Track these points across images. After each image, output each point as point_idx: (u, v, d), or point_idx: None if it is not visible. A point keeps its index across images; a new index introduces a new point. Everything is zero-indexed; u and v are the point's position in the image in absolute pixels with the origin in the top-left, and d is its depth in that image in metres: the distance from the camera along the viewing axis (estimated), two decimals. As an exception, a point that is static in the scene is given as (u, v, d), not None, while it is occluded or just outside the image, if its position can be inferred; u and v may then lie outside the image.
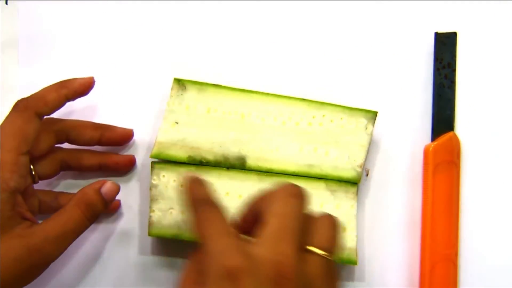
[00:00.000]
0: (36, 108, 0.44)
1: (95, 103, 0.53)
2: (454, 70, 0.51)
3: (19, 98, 0.45)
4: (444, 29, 0.51)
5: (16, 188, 0.41)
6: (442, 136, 0.50)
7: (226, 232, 0.35)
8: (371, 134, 0.48)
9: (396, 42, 0.52)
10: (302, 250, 0.35)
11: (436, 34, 0.51)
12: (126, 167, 0.51)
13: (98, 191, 0.45)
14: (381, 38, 0.53)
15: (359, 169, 0.48)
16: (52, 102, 0.45)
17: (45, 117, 0.46)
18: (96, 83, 0.52)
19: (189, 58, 0.53)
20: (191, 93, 0.48)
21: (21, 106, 0.44)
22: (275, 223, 0.35)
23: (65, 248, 0.43)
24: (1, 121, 0.52)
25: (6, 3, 0.54)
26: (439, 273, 0.47)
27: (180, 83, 0.48)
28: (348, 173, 0.48)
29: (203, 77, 0.49)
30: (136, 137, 0.51)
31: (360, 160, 0.48)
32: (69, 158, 0.49)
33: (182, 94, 0.48)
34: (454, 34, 0.51)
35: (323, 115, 0.48)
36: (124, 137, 0.50)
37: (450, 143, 0.50)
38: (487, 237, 0.51)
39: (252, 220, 0.38)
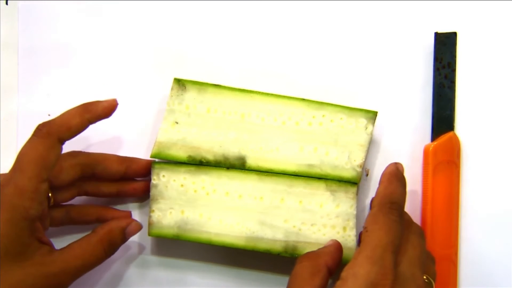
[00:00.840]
0: (59, 134, 0.43)
1: (95, 103, 0.53)
2: (454, 70, 0.51)
3: (41, 122, 0.44)
4: (444, 29, 0.51)
5: (36, 216, 0.41)
6: (442, 136, 0.50)
7: (393, 248, 0.39)
8: (371, 134, 0.48)
9: (396, 42, 0.52)
10: None
11: (436, 34, 0.51)
12: (143, 193, 0.50)
13: (124, 230, 0.46)
14: (381, 38, 0.53)
15: (359, 169, 0.48)
16: (76, 128, 0.44)
17: (72, 150, 0.47)
18: (96, 83, 0.52)
19: (189, 58, 0.53)
20: (191, 93, 0.48)
21: (43, 131, 0.42)
22: (412, 251, 0.42)
23: (79, 277, 0.44)
24: (1, 123, 0.53)
25: (6, 3, 0.54)
26: (439, 273, 0.47)
27: (180, 83, 0.49)
28: (348, 173, 0.48)
29: (203, 77, 0.49)
30: (136, 137, 0.51)
31: (360, 160, 0.48)
32: (88, 186, 0.49)
33: (182, 94, 0.48)
34: (454, 34, 0.51)
35: (323, 115, 0.48)
36: (148, 169, 0.49)
37: (450, 143, 0.50)
38: (487, 237, 0.51)
39: None
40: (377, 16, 0.53)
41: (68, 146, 0.45)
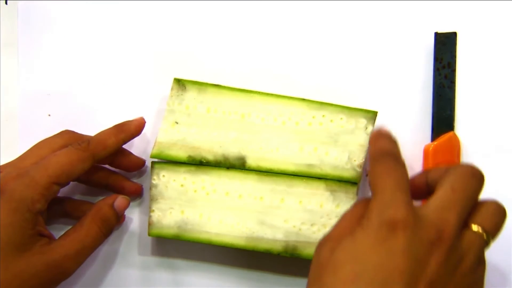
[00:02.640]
0: (95, 151, 0.45)
1: (95, 103, 0.53)
2: (454, 70, 0.51)
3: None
4: (444, 29, 0.51)
5: (40, 210, 0.42)
6: (442, 136, 0.50)
7: (401, 187, 0.37)
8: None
9: (396, 42, 0.52)
10: (465, 226, 0.37)
11: (436, 34, 0.51)
12: (132, 194, 0.51)
13: (112, 206, 0.47)
14: (381, 38, 0.53)
15: (359, 169, 0.48)
16: (111, 147, 0.46)
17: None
18: (96, 83, 0.52)
19: (189, 58, 0.53)
20: (191, 93, 0.48)
21: (83, 146, 0.45)
22: (448, 193, 0.37)
23: (82, 262, 0.44)
24: (1, 123, 0.53)
25: (6, 3, 0.54)
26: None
27: (180, 83, 0.48)
28: (348, 173, 0.48)
29: (203, 77, 0.49)
30: (136, 137, 0.50)
31: (360, 160, 0.48)
32: None
33: (182, 94, 0.48)
34: (454, 34, 0.51)
35: (323, 115, 0.48)
36: (136, 166, 0.51)
37: (450, 143, 0.50)
38: None
39: (424, 188, 0.40)
40: (377, 16, 0.53)
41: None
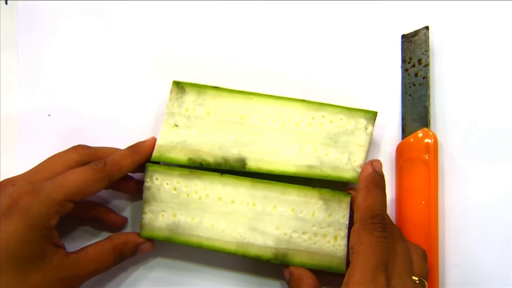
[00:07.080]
0: (111, 173, 0.45)
1: (95, 105, 0.53)
2: (427, 65, 0.50)
3: (97, 161, 0.46)
4: (441, 27, 0.51)
5: (54, 225, 0.43)
6: (414, 134, 0.49)
7: (381, 267, 0.40)
8: (371, 134, 0.48)
9: (396, 43, 0.52)
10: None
11: (403, 36, 0.51)
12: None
13: (138, 246, 0.48)
14: (381, 39, 0.52)
15: (359, 170, 0.47)
16: (126, 168, 0.47)
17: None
18: (96, 84, 0.52)
19: (188, 61, 0.53)
20: (190, 95, 0.48)
21: (100, 166, 0.45)
22: (399, 261, 0.42)
23: (86, 281, 0.45)
24: (1, 123, 0.53)
25: (6, 3, 0.54)
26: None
27: (179, 86, 0.48)
28: (348, 174, 0.48)
29: (202, 80, 0.49)
30: (136, 140, 0.50)
31: (360, 160, 0.48)
32: None
33: (181, 97, 0.48)
34: (425, 28, 0.51)
35: (323, 116, 0.48)
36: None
37: (416, 140, 0.49)
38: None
39: None
40: (377, 17, 0.53)
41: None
